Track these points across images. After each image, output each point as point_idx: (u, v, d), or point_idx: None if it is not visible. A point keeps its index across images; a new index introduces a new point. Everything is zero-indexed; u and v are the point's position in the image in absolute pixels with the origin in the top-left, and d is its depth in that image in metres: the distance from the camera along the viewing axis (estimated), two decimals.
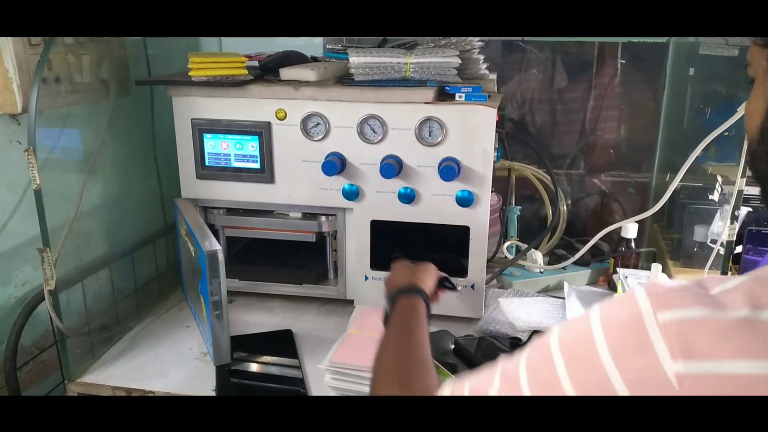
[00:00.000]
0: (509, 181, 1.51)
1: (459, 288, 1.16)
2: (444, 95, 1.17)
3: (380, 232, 1.23)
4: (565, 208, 1.52)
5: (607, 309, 0.53)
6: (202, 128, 1.22)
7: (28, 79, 1.03)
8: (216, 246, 1.02)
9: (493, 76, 1.32)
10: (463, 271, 1.22)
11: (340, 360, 1.00)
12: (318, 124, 1.18)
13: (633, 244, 1.39)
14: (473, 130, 1.13)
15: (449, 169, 1.13)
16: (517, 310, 1.23)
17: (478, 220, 1.18)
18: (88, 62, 1.17)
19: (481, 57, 1.30)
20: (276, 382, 1.06)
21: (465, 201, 1.16)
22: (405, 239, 1.22)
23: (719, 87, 1.41)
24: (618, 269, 1.36)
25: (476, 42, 1.28)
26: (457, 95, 1.15)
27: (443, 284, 1.08)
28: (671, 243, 1.50)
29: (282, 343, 1.17)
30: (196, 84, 1.17)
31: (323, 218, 1.26)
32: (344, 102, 1.16)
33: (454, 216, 1.18)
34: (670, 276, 1.36)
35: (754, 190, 1.20)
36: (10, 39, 1.01)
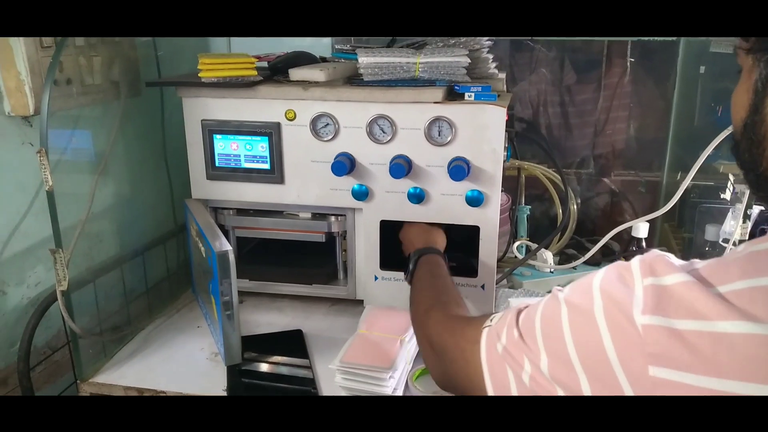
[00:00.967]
0: (519, 180, 1.51)
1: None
2: (453, 95, 1.17)
3: (390, 232, 1.23)
4: (575, 207, 1.52)
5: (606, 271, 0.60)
6: (212, 129, 1.22)
7: (39, 81, 1.04)
8: (227, 246, 1.03)
9: (503, 76, 1.32)
10: (473, 271, 1.22)
11: (351, 360, 1.00)
12: (327, 124, 1.18)
13: (644, 244, 1.38)
14: (483, 130, 1.13)
15: (459, 169, 1.13)
16: None
17: (488, 220, 1.18)
18: (99, 64, 1.18)
19: (490, 56, 1.30)
20: (287, 382, 1.07)
21: (475, 201, 1.15)
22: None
23: (730, 85, 1.39)
24: None
25: (485, 41, 1.27)
26: (466, 95, 1.15)
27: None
28: (682, 242, 1.49)
29: (292, 343, 1.17)
30: (206, 85, 1.17)
31: (333, 218, 1.26)
32: (353, 102, 1.16)
33: (464, 216, 1.18)
34: None
35: None
36: (22, 42, 1.02)
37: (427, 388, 1.02)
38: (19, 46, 1.02)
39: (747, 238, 1.17)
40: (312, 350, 1.14)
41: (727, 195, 1.35)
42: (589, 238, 1.51)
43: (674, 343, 0.51)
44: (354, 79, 1.22)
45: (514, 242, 1.48)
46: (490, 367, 0.68)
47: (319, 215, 1.28)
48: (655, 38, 1.45)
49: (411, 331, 1.08)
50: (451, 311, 0.86)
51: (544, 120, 1.63)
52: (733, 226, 1.27)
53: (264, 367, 1.10)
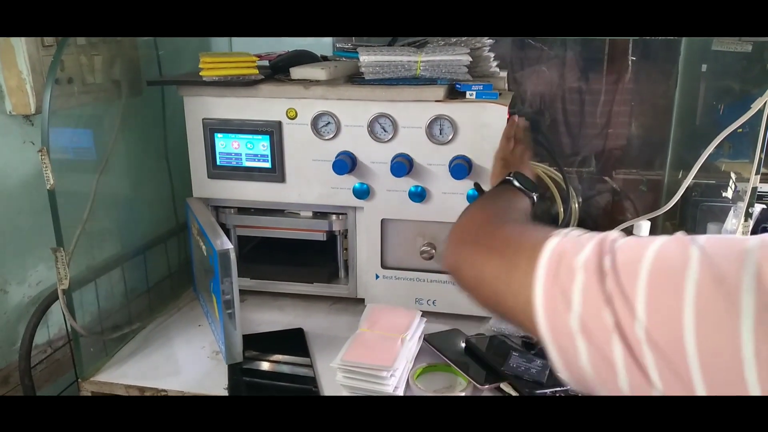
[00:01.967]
0: None
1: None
2: (455, 93, 1.17)
3: (391, 230, 1.22)
4: (576, 206, 1.52)
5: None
6: (213, 128, 1.22)
7: (41, 80, 1.04)
8: (228, 245, 1.03)
9: (504, 74, 1.32)
10: None
11: (352, 358, 1.00)
12: (329, 123, 1.18)
13: None
14: (484, 128, 1.13)
15: (460, 168, 1.13)
16: None
17: None
18: (100, 63, 1.18)
19: (492, 55, 1.30)
20: (288, 381, 1.07)
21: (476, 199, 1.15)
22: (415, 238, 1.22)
23: (732, 83, 1.40)
24: None
25: (487, 40, 1.27)
26: (467, 93, 1.14)
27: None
28: None
29: (293, 341, 1.17)
30: (207, 84, 1.17)
31: (334, 217, 1.26)
32: (355, 101, 1.16)
33: None
34: None
35: None
36: (23, 41, 1.02)
37: (428, 387, 1.02)
38: (20, 45, 1.02)
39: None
40: (313, 349, 1.14)
41: (729, 193, 1.35)
42: None
43: None
44: (355, 78, 1.22)
45: None
46: (549, 279, 0.50)
47: (320, 214, 1.28)
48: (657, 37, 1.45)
49: (412, 329, 1.08)
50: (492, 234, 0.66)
51: (546, 118, 1.63)
52: (735, 224, 1.27)
53: (265, 366, 1.11)
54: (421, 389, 1.01)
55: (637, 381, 0.44)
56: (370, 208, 1.22)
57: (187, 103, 1.23)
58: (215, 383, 1.04)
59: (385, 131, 1.16)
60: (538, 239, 0.53)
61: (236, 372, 1.07)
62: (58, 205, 0.99)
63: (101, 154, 1.20)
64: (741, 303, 0.39)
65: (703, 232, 1.38)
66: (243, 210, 1.31)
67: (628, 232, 1.37)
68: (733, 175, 1.34)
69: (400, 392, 0.99)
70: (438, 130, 1.14)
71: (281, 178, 1.23)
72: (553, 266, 0.50)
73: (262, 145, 1.21)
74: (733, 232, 1.27)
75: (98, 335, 1.13)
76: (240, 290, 1.06)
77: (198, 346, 1.16)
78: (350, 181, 1.20)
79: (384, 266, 1.26)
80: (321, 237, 1.28)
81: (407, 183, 1.18)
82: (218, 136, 1.22)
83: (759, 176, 1.12)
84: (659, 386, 0.43)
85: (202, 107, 1.22)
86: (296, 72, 1.20)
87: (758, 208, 1.31)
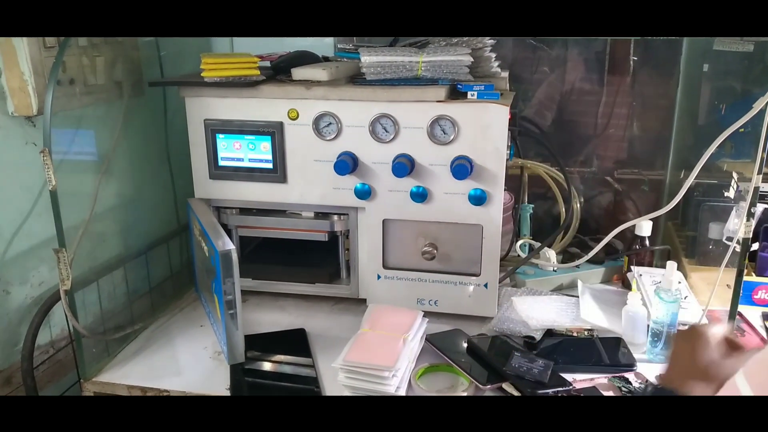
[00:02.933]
0: (522, 179, 1.50)
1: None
2: (456, 93, 1.17)
3: (392, 231, 1.23)
4: (578, 206, 1.52)
5: None
6: (214, 129, 1.22)
7: (43, 82, 1.04)
8: (230, 246, 1.03)
9: (505, 74, 1.32)
10: (476, 270, 1.22)
11: (354, 358, 1.00)
12: (330, 123, 1.18)
13: (647, 242, 1.38)
14: (486, 129, 1.13)
15: (462, 168, 1.13)
16: (531, 308, 1.23)
17: (491, 219, 1.18)
18: (102, 64, 1.18)
19: (493, 55, 1.30)
20: (290, 381, 1.07)
21: (478, 199, 1.15)
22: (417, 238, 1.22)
23: (734, 83, 1.40)
24: (632, 267, 1.35)
25: (488, 40, 1.27)
26: (469, 93, 1.14)
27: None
28: (686, 241, 1.49)
29: (295, 342, 1.17)
30: (209, 85, 1.17)
31: (335, 217, 1.26)
32: (356, 101, 1.16)
33: (467, 215, 1.18)
34: (685, 274, 1.35)
35: None
36: (25, 42, 1.02)
37: (430, 387, 1.02)
38: (22, 46, 1.02)
39: (751, 236, 1.17)
40: (315, 349, 1.14)
41: (731, 193, 1.35)
42: (592, 236, 1.51)
43: None
44: (356, 79, 1.22)
45: (517, 241, 1.48)
46: None
47: (322, 214, 1.28)
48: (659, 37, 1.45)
49: (414, 329, 1.08)
50: None
51: (547, 118, 1.63)
52: (737, 224, 1.27)
53: (267, 366, 1.11)
54: (423, 389, 1.01)
55: None
56: (371, 209, 1.22)
57: (189, 104, 1.23)
58: (217, 383, 1.04)
59: (386, 131, 1.16)
60: None
61: (238, 372, 1.07)
62: (60, 205, 0.99)
63: (103, 155, 1.20)
64: None
65: (706, 231, 1.38)
66: (245, 210, 1.31)
67: (630, 231, 1.37)
68: (735, 175, 1.34)
69: (402, 392, 0.99)
70: (439, 130, 1.14)
71: (283, 179, 1.23)
72: None
73: (263, 145, 1.21)
74: (735, 231, 1.27)
75: (100, 336, 1.13)
76: (242, 290, 1.06)
77: (200, 347, 1.16)
78: (352, 181, 1.20)
79: (386, 266, 1.26)
80: (323, 237, 1.28)
81: (409, 183, 1.18)
82: (220, 136, 1.23)
83: (761, 176, 1.11)
84: None
85: (204, 108, 1.22)
86: (298, 72, 1.20)
87: (760, 207, 1.30)
